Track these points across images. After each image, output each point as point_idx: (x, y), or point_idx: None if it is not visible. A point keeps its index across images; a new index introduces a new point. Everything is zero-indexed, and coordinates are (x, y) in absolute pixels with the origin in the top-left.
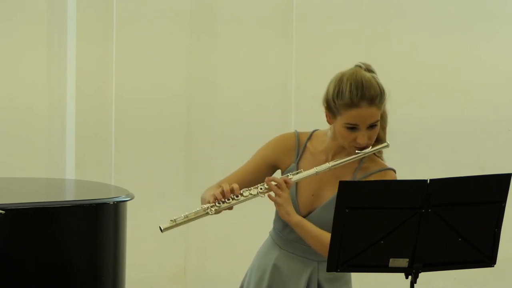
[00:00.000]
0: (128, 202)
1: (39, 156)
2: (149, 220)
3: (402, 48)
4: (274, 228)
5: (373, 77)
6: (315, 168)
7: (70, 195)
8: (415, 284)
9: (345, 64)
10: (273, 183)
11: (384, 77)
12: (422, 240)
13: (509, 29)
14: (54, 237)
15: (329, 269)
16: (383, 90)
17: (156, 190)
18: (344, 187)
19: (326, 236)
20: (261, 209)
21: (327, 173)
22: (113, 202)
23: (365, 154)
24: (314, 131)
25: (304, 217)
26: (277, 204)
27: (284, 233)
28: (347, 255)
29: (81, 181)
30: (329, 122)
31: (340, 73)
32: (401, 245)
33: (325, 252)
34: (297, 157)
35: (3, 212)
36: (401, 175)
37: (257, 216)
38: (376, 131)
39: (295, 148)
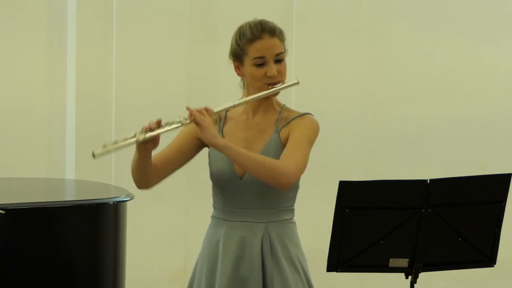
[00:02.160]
0: (128, 202)
1: (39, 156)
2: (149, 220)
3: (402, 48)
4: (215, 207)
5: (270, 21)
6: (231, 101)
7: (70, 195)
8: (415, 284)
9: (345, 64)
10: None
11: (384, 77)
12: (422, 240)
13: (509, 29)
14: (54, 237)
15: (329, 269)
16: (281, 28)
17: (156, 190)
18: (344, 187)
19: (258, 155)
20: None
21: (252, 130)
22: (113, 202)
23: (277, 89)
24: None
25: (242, 177)
26: (202, 127)
27: (227, 205)
28: (347, 255)
29: (81, 181)
30: (239, 74)
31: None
32: (401, 245)
33: (262, 170)
34: (220, 127)
35: (3, 212)
36: (401, 175)
37: None
38: (284, 66)
39: (217, 121)
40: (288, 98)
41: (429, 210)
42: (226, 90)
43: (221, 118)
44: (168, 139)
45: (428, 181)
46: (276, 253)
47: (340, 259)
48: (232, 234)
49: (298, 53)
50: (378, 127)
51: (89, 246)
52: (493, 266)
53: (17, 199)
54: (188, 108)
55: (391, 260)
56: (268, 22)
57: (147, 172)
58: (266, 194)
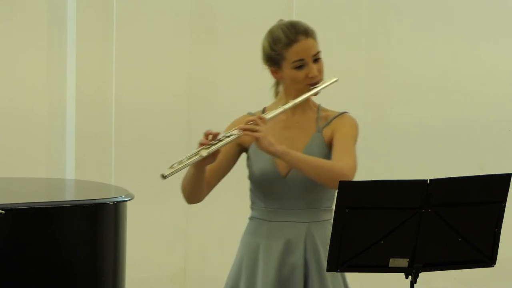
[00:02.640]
0: (128, 202)
1: (39, 156)
2: (149, 220)
3: (402, 48)
4: (255, 208)
5: (298, 20)
6: (280, 107)
7: (70, 195)
8: (415, 284)
9: (345, 64)
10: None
11: (384, 77)
12: (422, 240)
13: (509, 29)
14: (54, 237)
15: (329, 269)
16: (311, 26)
17: (156, 190)
18: (344, 187)
19: (316, 158)
20: None
21: (292, 129)
22: (113, 202)
23: (320, 88)
24: (264, 107)
25: (285, 176)
26: (258, 138)
27: (269, 205)
28: (347, 255)
29: (81, 181)
30: (277, 78)
31: (267, 31)
32: (401, 245)
33: (321, 174)
34: None
35: (3, 212)
36: (401, 175)
37: None
38: (322, 64)
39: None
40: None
41: (429, 210)
42: (226, 90)
43: None
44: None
45: (428, 181)
46: (318, 253)
47: (340, 259)
48: (275, 236)
49: None
50: (378, 127)
51: (89, 246)
52: (493, 266)
53: (17, 199)
54: (244, 122)
55: (391, 260)
56: (298, 22)
57: (201, 187)
58: (309, 193)
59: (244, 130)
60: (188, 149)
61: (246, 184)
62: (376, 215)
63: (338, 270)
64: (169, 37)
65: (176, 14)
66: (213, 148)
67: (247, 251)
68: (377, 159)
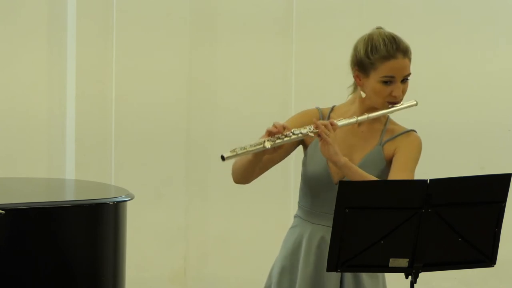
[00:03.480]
0: (128, 202)
1: (39, 156)
2: (149, 220)
3: None
4: (301, 207)
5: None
6: (355, 117)
7: (70, 195)
8: (415, 284)
9: (345, 64)
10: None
11: None
12: (422, 240)
13: (509, 29)
14: (54, 237)
15: (329, 269)
16: (409, 46)
17: (156, 190)
18: (344, 187)
19: (373, 178)
20: (261, 210)
21: (356, 137)
22: (113, 202)
23: (397, 109)
24: (333, 106)
25: (336, 183)
26: (326, 143)
27: (315, 208)
28: (347, 255)
29: (81, 181)
30: (360, 84)
31: (365, 34)
32: (401, 245)
33: None
34: None
35: (3, 212)
36: None
37: (257, 217)
38: (407, 86)
39: (319, 118)
40: (288, 101)
41: (429, 210)
42: (226, 90)
43: (325, 117)
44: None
45: (428, 181)
46: None
47: (340, 259)
48: (315, 238)
49: (298, 53)
50: None
51: (89, 246)
52: (493, 266)
53: (17, 199)
54: (315, 122)
55: (391, 260)
56: (401, 40)
57: (253, 171)
58: None
59: (317, 131)
60: (187, 149)
61: (247, 184)
62: (376, 215)
63: (338, 270)
64: (169, 38)
65: (176, 14)
66: (279, 142)
67: (291, 247)
68: None
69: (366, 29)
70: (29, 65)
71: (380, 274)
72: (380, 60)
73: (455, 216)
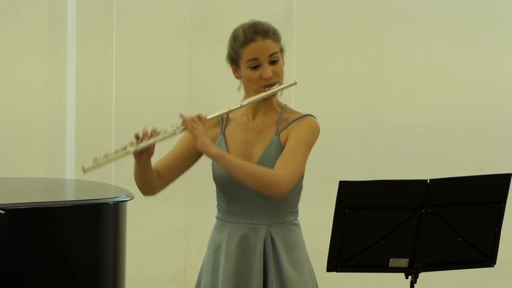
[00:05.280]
0: (128, 202)
1: (39, 156)
2: (149, 220)
3: (402, 49)
4: (219, 209)
5: (264, 21)
6: (225, 106)
7: (70, 195)
8: (415, 284)
9: (345, 64)
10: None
11: (384, 77)
12: (422, 240)
13: (509, 29)
14: (54, 237)
15: (329, 269)
16: (276, 28)
17: None
18: (344, 187)
19: (251, 164)
20: None
21: (252, 131)
22: (113, 202)
23: (274, 91)
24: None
25: None
26: (194, 136)
27: (230, 207)
28: (347, 255)
29: (81, 181)
30: (237, 77)
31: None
32: (401, 245)
33: (253, 180)
34: (222, 129)
35: (3, 212)
36: (401, 175)
37: None
38: (280, 67)
39: (219, 122)
40: (288, 98)
41: (429, 210)
42: (226, 90)
43: (224, 119)
44: (169, 145)
45: (428, 181)
46: (279, 256)
47: (340, 259)
48: (234, 237)
49: (298, 53)
50: (378, 127)
51: (89, 246)
52: (493, 266)
53: (17, 199)
54: (181, 115)
55: (391, 260)
56: (261, 23)
57: (149, 179)
58: (267, 196)
59: (182, 127)
60: None
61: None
62: (376, 215)
63: (338, 270)
64: (169, 38)
65: (176, 14)
66: (142, 145)
67: (212, 250)
68: (377, 159)
69: (366, 29)
70: (29, 65)
71: (305, 264)
72: (241, 46)
73: (455, 216)
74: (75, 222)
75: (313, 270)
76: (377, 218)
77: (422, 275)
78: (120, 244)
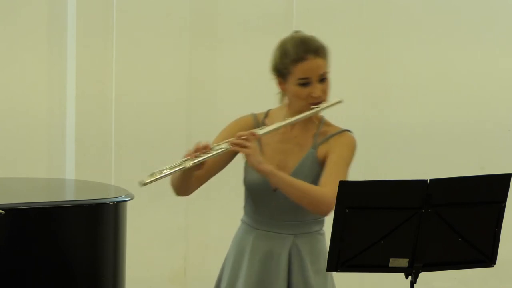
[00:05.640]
0: (128, 202)
1: (39, 156)
2: (149, 220)
3: (402, 49)
4: (246, 212)
5: (312, 36)
6: (277, 123)
7: (70, 195)
8: (415, 284)
9: (345, 64)
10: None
11: (384, 77)
12: (422, 240)
13: (509, 29)
14: (54, 237)
15: (328, 269)
16: (324, 44)
17: (156, 190)
18: (344, 187)
19: (301, 182)
20: None
21: (289, 142)
22: (113, 202)
23: (320, 109)
24: (269, 110)
25: (274, 190)
26: (247, 155)
27: (258, 213)
28: (347, 255)
29: (81, 181)
30: (282, 89)
31: (279, 41)
32: (401, 245)
33: (303, 199)
34: None
35: (3, 212)
36: (401, 175)
37: None
38: (328, 85)
39: (254, 127)
40: None
41: (429, 210)
42: (226, 91)
43: (259, 123)
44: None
45: (428, 181)
46: (305, 266)
47: (340, 259)
48: (260, 245)
49: None
50: (378, 127)
51: (89, 246)
52: (493, 266)
53: (17, 199)
54: (235, 135)
55: (391, 260)
56: (310, 39)
57: (189, 184)
58: (297, 208)
59: (234, 145)
60: (187, 149)
61: None
62: (376, 215)
63: (338, 270)
64: (169, 38)
65: (176, 14)
66: (198, 160)
67: (235, 253)
68: (377, 159)
69: (366, 29)
70: (29, 65)
71: (329, 273)
72: (291, 64)
73: (455, 216)
74: (75, 222)
75: (333, 278)
76: (377, 218)
77: (422, 275)
78: (120, 244)
